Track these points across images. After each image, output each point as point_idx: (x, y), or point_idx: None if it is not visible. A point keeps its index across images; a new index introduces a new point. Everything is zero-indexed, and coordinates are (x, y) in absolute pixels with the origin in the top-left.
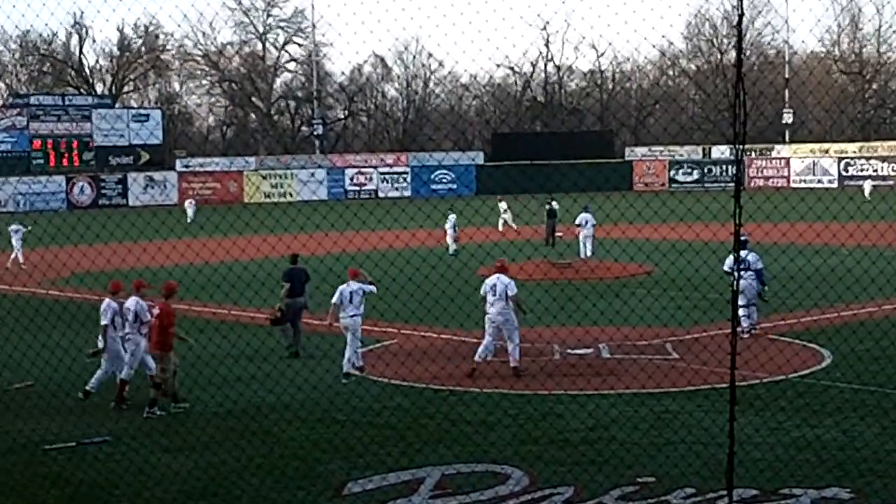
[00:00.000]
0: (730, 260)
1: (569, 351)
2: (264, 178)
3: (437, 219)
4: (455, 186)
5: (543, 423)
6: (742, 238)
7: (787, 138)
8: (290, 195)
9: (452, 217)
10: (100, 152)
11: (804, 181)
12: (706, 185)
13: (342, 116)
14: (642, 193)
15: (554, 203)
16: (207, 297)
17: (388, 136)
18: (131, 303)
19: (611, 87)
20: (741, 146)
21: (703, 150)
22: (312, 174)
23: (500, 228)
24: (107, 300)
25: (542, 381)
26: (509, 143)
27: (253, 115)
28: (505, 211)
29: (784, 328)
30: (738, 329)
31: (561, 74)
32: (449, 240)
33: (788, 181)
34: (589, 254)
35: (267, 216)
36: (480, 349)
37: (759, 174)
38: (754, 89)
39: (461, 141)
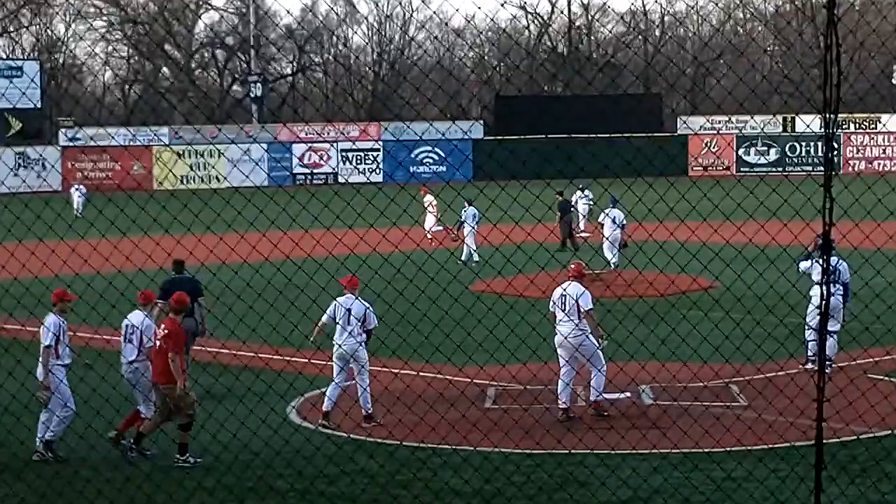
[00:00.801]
0: (805, 262)
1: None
2: (180, 156)
3: (417, 214)
4: (444, 169)
5: (560, 493)
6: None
7: None
8: (217, 180)
9: (472, 210)
10: None
11: None
12: (787, 169)
13: (289, 72)
14: (699, 179)
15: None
16: (98, 319)
17: (352, 101)
18: (138, 319)
19: (658, 34)
20: (833, 116)
21: (784, 121)
22: (247, 152)
23: (428, 229)
24: (50, 316)
25: (560, 437)
26: (518, 110)
27: (166, 70)
28: (430, 206)
29: (890, 365)
30: (809, 360)
31: (590, 16)
32: (469, 241)
33: None
34: (614, 262)
35: (182, 209)
36: (561, 387)
37: (860, 154)
38: (853, 39)
39: (452, 107)
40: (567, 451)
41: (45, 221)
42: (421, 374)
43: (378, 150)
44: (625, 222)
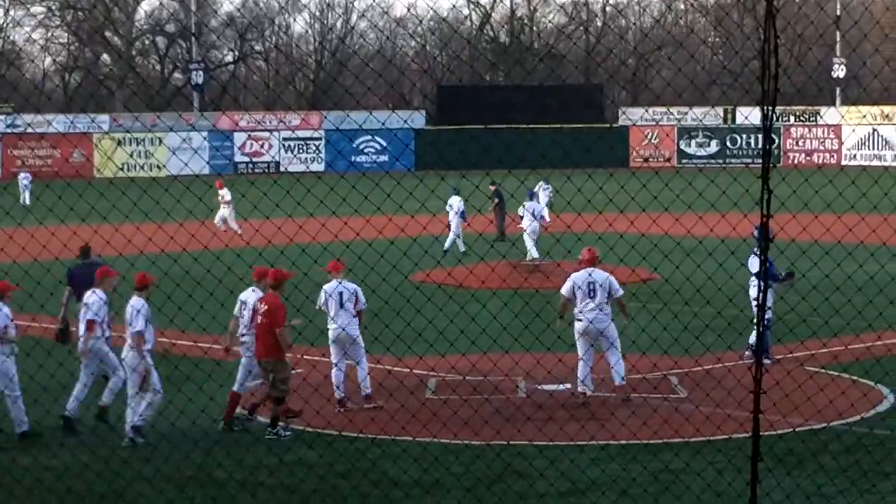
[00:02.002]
0: (754, 260)
1: (536, 386)
2: (120, 143)
3: (356, 203)
4: (385, 159)
5: (499, 485)
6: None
7: (836, 99)
8: (157, 168)
9: (457, 199)
10: None
11: (858, 156)
12: (727, 160)
13: (230, 60)
14: (640, 171)
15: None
16: (36, 307)
17: (293, 89)
18: (250, 296)
19: (599, 25)
20: (772, 109)
21: (724, 112)
22: (187, 140)
23: (218, 224)
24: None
25: (499, 428)
26: (460, 99)
27: (106, 57)
28: (225, 201)
29: (827, 358)
30: (750, 352)
31: (532, 6)
32: (454, 229)
33: (838, 156)
34: (534, 255)
35: (120, 197)
36: (582, 373)
37: (799, 146)
38: (792, 30)
39: (394, 97)
40: (506, 443)
41: None
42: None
43: (319, 138)
44: (543, 213)
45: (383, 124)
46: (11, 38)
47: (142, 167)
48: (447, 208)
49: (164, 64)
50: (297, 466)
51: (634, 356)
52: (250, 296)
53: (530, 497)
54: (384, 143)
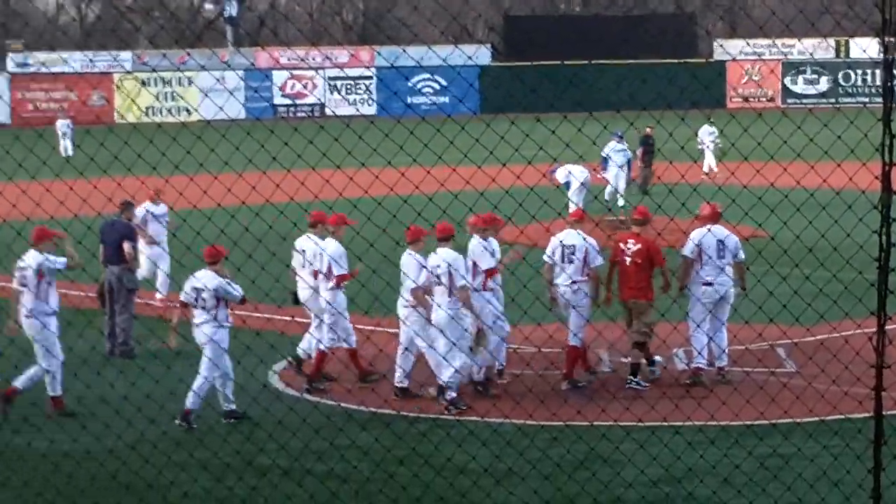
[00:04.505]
0: None
1: (622, 360)
2: (145, 84)
3: (414, 152)
4: (446, 100)
5: (582, 472)
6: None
7: None
8: (186, 112)
9: (619, 145)
10: None
11: None
12: (840, 100)
13: None
14: (739, 112)
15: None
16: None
17: (340, 21)
18: (308, 244)
19: None
20: (894, 39)
21: (837, 45)
22: (220, 79)
23: None
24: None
25: (580, 407)
26: (530, 32)
27: None
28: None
29: None
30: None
31: None
32: (619, 178)
33: None
34: (620, 202)
35: (147, 145)
36: (700, 344)
37: None
38: None
39: (455, 29)
40: (589, 424)
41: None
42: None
43: (371, 77)
44: (628, 156)
45: (445, 61)
46: None
47: (169, 111)
48: (605, 155)
49: None
50: (350, 451)
51: (737, 325)
52: (307, 243)
53: (617, 486)
54: (444, 82)
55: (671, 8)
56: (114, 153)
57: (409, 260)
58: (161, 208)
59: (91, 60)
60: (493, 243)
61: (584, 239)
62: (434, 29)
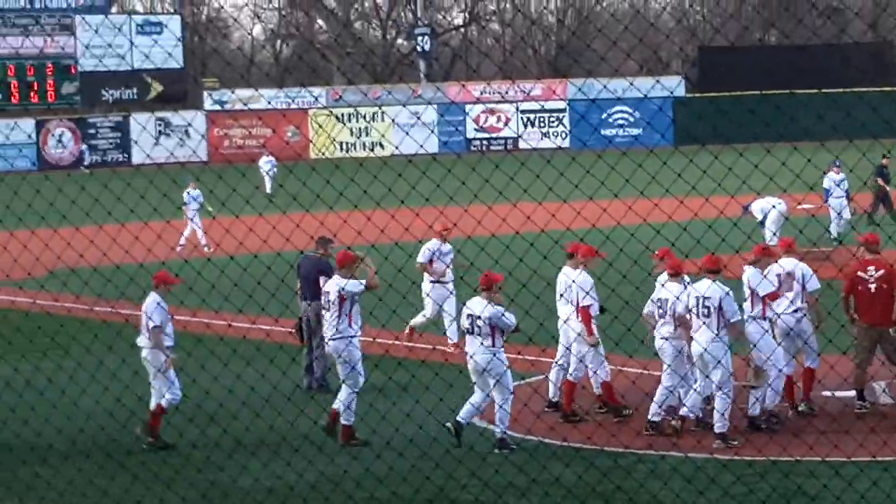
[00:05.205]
0: None
1: (829, 394)
2: (340, 120)
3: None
4: (639, 132)
5: None
6: None
7: None
8: (380, 146)
9: (838, 175)
10: (87, 82)
11: None
12: None
13: (460, 23)
14: None
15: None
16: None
17: (534, 55)
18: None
19: None
20: None
21: None
22: (417, 115)
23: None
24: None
25: (785, 443)
26: (726, 63)
27: (321, 24)
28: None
29: None
30: None
31: None
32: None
33: None
34: (835, 232)
35: (348, 183)
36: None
37: None
38: None
39: (650, 61)
40: (794, 460)
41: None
42: (623, 368)
43: (564, 110)
44: (846, 188)
45: (646, 96)
46: (217, 3)
47: (363, 145)
48: (828, 185)
49: (386, 29)
50: (553, 488)
51: None
52: (562, 275)
53: None
54: (637, 114)
55: (869, 36)
56: (315, 191)
57: (672, 289)
58: (447, 247)
59: (287, 97)
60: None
61: (797, 264)
62: (627, 60)
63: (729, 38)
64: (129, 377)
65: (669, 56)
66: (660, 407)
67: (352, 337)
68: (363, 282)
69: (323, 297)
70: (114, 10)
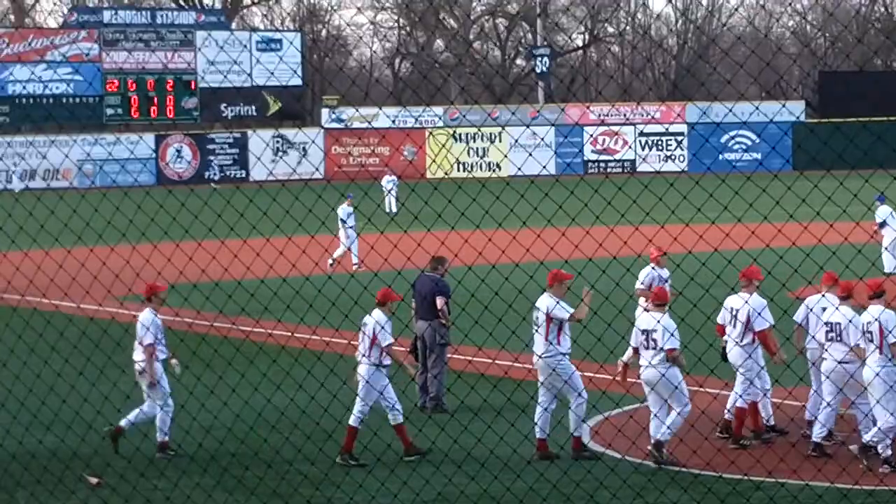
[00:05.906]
0: None
1: None
2: (458, 139)
3: (739, 211)
4: (758, 156)
5: None
6: None
7: None
8: (497, 167)
9: (888, 210)
10: (207, 98)
11: None
12: None
13: (579, 44)
14: None
15: None
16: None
17: (654, 77)
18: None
19: None
20: None
21: None
22: (537, 136)
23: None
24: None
25: None
26: (848, 87)
27: (440, 42)
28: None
29: None
30: None
31: None
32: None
33: None
34: (890, 267)
35: (469, 202)
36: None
37: None
38: None
39: (770, 85)
40: None
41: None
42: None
43: (682, 133)
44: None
45: (771, 120)
46: (337, 21)
47: (479, 165)
48: (879, 218)
49: (504, 49)
50: None
51: None
52: (734, 300)
53: None
54: (756, 138)
55: None
56: (436, 210)
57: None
58: (664, 272)
59: (404, 114)
60: None
61: None
62: (750, 84)
63: (851, 62)
64: (249, 393)
65: (789, 79)
66: (824, 426)
67: (561, 354)
68: (571, 311)
69: (534, 312)
70: (234, 25)
